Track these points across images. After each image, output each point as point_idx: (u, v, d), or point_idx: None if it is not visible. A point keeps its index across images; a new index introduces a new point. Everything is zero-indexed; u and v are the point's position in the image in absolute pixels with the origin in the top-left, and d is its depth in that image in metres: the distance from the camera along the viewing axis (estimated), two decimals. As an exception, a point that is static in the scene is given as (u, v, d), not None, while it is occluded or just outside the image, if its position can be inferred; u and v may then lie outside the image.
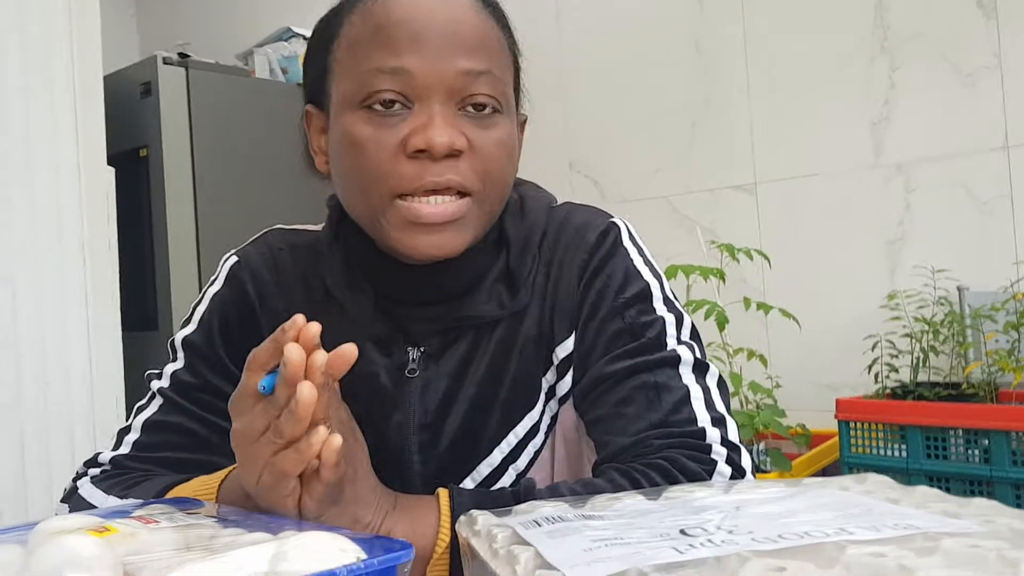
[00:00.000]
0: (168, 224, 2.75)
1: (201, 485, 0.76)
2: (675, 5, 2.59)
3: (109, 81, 2.26)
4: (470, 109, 0.79)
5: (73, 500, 0.84)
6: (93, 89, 1.86)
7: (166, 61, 2.79)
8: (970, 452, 1.77)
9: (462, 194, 0.78)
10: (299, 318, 0.63)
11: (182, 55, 2.87)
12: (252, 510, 0.68)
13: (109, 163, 1.96)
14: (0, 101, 1.74)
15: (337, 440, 0.62)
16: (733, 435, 0.78)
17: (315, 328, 0.63)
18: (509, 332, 0.87)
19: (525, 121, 0.92)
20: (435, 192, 0.77)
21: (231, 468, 0.76)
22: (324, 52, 0.84)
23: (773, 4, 2.42)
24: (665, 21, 2.61)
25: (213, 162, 2.86)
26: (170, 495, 0.76)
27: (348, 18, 0.82)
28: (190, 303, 0.96)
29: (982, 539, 0.45)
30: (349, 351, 0.63)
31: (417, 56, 0.77)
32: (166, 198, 2.75)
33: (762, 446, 2.00)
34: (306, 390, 0.59)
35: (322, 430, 0.61)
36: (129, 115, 2.79)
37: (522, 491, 0.72)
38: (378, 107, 0.77)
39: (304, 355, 0.61)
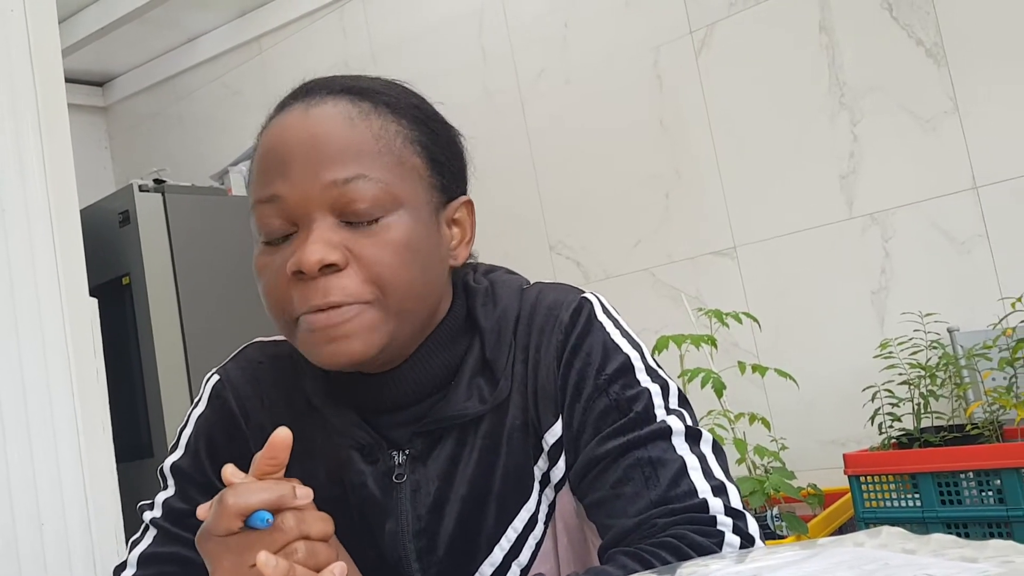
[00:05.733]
0: (156, 349, 2.74)
1: None
2: (635, 85, 2.65)
3: (87, 213, 2.28)
4: (352, 217, 0.78)
5: None
6: (70, 222, 1.87)
7: (142, 188, 2.83)
8: (984, 494, 1.75)
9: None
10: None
11: (157, 181, 2.90)
12: None
13: (92, 294, 1.96)
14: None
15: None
16: (736, 502, 0.77)
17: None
18: (494, 425, 0.85)
19: (469, 204, 0.90)
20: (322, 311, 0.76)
21: None
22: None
23: (729, 74, 2.48)
24: (626, 101, 2.66)
25: (197, 283, 2.87)
26: None
27: (253, 157, 0.85)
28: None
29: (1003, 582, 0.44)
30: (283, 434, 0.67)
31: (285, 180, 0.78)
32: (152, 323, 2.75)
33: (776, 511, 1.96)
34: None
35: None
36: (109, 245, 2.81)
37: None
38: (267, 237, 0.80)
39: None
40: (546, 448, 0.85)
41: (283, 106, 0.85)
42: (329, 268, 0.75)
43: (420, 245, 0.81)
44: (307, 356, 0.79)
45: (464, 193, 0.90)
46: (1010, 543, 0.52)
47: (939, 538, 0.57)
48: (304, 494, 0.63)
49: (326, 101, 0.81)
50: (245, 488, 0.63)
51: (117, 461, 2.06)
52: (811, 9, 2.33)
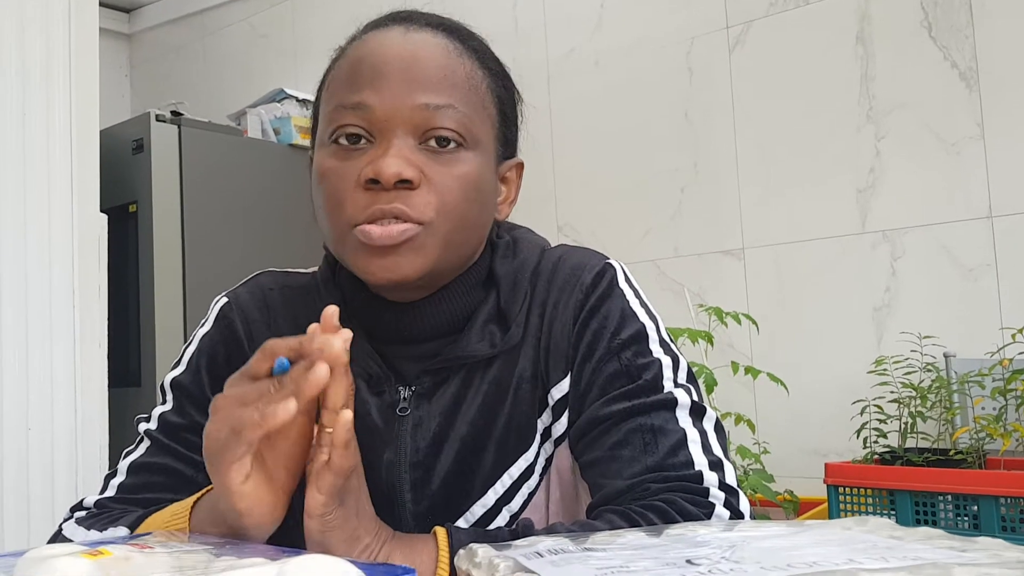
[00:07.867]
0: (155, 280, 2.73)
1: (172, 514, 0.75)
2: (664, 74, 2.64)
3: (102, 137, 2.27)
4: (432, 143, 0.80)
5: (57, 540, 0.83)
6: (89, 140, 1.88)
7: (159, 118, 2.81)
8: (959, 518, 1.76)
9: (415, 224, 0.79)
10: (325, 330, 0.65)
11: (175, 113, 2.88)
12: (224, 534, 0.67)
13: (99, 215, 1.97)
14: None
15: (348, 414, 0.63)
16: (731, 479, 0.78)
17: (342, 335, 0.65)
18: (503, 372, 0.87)
19: (520, 166, 0.93)
20: (384, 219, 0.78)
21: (202, 492, 0.76)
22: (317, 101, 0.88)
23: (761, 74, 2.47)
24: (654, 89, 2.66)
25: (203, 219, 2.86)
26: (143, 525, 0.76)
27: (334, 65, 0.87)
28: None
29: (993, 568, 0.44)
30: (331, 308, 0.66)
31: (376, 91, 0.79)
32: (154, 254, 2.74)
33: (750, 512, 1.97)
34: (338, 343, 0.62)
35: (322, 368, 0.62)
36: (120, 170, 2.79)
37: (520, 530, 0.71)
38: (343, 141, 0.80)
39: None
40: (551, 403, 0.87)
41: (378, 24, 0.86)
42: (402, 184, 0.77)
43: (483, 186, 0.84)
44: (354, 268, 0.81)
45: (516, 154, 0.93)
46: (999, 540, 0.53)
47: (927, 530, 0.57)
48: (344, 336, 0.64)
49: (424, 30, 0.84)
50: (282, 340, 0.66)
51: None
52: (850, 19, 2.32)
